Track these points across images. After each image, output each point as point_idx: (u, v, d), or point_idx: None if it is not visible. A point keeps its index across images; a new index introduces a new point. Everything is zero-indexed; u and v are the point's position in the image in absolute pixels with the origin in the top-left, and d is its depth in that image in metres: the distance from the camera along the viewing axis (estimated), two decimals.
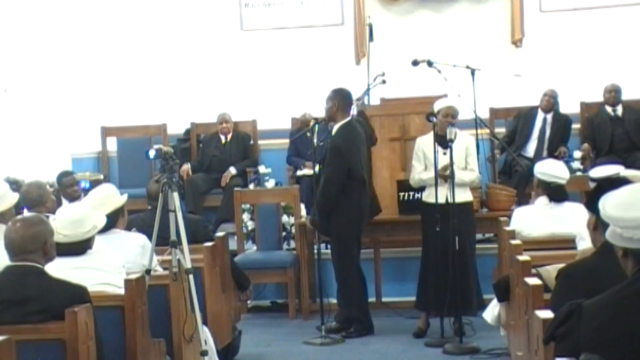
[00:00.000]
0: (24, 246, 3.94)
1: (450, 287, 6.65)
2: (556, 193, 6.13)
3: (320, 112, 7.44)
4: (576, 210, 6.04)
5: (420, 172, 6.98)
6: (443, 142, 6.77)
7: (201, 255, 5.83)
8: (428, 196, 6.96)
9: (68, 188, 7.27)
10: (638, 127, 9.21)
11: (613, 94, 9.23)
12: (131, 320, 4.39)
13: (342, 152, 6.98)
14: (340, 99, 7.07)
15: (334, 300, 7.56)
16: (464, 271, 6.77)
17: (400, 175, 7.71)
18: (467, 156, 6.93)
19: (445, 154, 6.76)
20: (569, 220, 5.94)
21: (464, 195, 6.81)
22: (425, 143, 6.98)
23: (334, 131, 7.07)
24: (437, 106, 6.92)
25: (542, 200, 6.15)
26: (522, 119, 9.33)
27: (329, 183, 6.97)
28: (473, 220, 7.05)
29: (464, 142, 6.87)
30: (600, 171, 6.15)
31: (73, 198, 7.31)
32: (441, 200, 6.76)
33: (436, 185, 6.73)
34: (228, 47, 10.72)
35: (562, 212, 6.08)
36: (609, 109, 9.27)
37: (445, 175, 6.72)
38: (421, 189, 7.09)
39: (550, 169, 6.24)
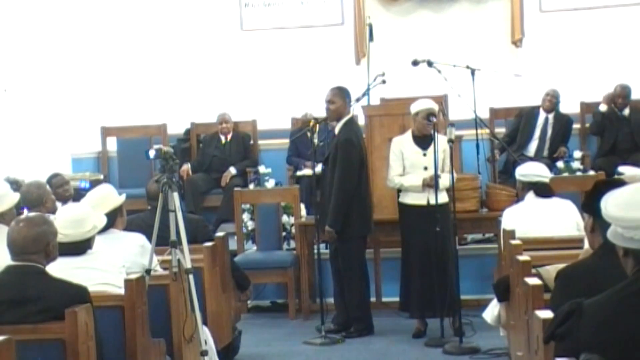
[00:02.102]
0: (26, 247, 3.94)
1: (437, 288, 6.70)
2: (542, 189, 6.20)
3: (320, 112, 7.43)
4: (564, 204, 6.12)
5: (399, 175, 6.98)
6: (422, 143, 6.80)
7: (201, 255, 5.84)
8: (408, 197, 6.99)
9: (59, 188, 7.25)
10: None
11: (620, 100, 9.21)
12: (131, 320, 4.39)
13: (354, 145, 7.03)
14: (346, 96, 7.16)
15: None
16: (446, 272, 6.78)
17: None
18: (444, 158, 6.92)
19: (425, 155, 6.78)
20: (557, 212, 6.03)
21: (441, 196, 6.81)
22: (402, 144, 7.01)
23: (338, 128, 7.09)
24: (416, 107, 6.93)
25: (530, 195, 6.24)
26: (523, 119, 9.34)
27: (346, 177, 6.98)
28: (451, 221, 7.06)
29: (442, 145, 6.81)
30: (627, 169, 6.14)
31: (64, 198, 7.29)
32: (421, 201, 6.82)
33: (436, 187, 6.74)
34: (228, 47, 10.72)
35: (550, 205, 6.16)
36: (616, 109, 9.26)
37: (430, 185, 6.76)
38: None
39: (531, 170, 6.36)
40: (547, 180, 6.29)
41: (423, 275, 6.89)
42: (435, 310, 6.81)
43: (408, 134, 7.03)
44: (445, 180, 6.81)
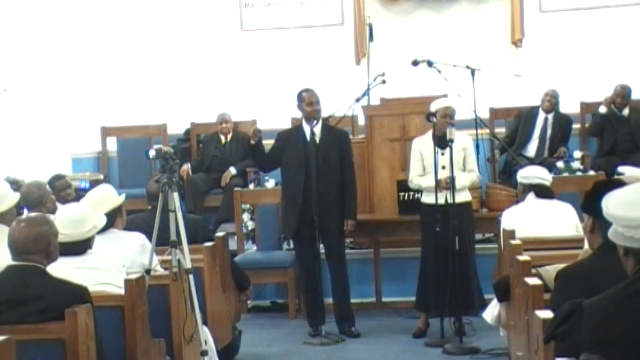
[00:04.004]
0: (27, 247, 3.94)
1: (451, 287, 6.66)
2: (542, 191, 6.22)
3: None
4: (564, 206, 6.14)
5: (419, 175, 6.97)
6: (441, 142, 6.78)
7: (201, 255, 5.84)
8: (427, 197, 6.96)
9: (61, 191, 7.24)
10: None
11: (619, 100, 9.21)
12: (131, 320, 4.39)
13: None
14: None
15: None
16: (465, 271, 6.78)
17: (400, 175, 7.72)
18: (465, 157, 6.92)
19: (443, 154, 6.76)
20: (556, 214, 6.04)
21: (462, 195, 6.82)
22: (422, 144, 6.99)
23: (320, 127, 7.09)
24: (435, 107, 6.91)
25: (530, 196, 6.26)
26: (523, 119, 9.34)
27: (354, 171, 7.25)
28: (472, 220, 7.05)
29: (462, 143, 6.84)
30: (627, 169, 6.15)
31: (66, 201, 7.30)
32: (440, 200, 6.76)
33: (436, 187, 6.73)
34: (228, 47, 10.72)
35: (550, 206, 6.17)
36: (615, 109, 9.26)
37: (447, 188, 6.73)
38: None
39: (533, 172, 6.40)
40: (548, 183, 6.30)
41: (439, 275, 6.85)
42: (453, 308, 6.76)
43: (428, 134, 7.00)
44: (462, 180, 6.79)
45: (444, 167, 6.77)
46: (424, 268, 7.03)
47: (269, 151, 7.27)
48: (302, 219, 7.06)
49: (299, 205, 7.05)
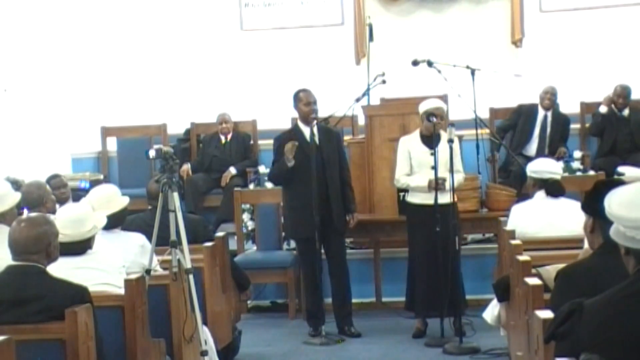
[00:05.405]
0: (27, 247, 3.94)
1: (442, 288, 6.67)
2: (553, 188, 6.16)
3: (320, 112, 7.44)
4: (573, 205, 6.08)
5: (406, 174, 6.97)
6: (430, 142, 6.79)
7: (201, 255, 5.84)
8: (414, 197, 6.98)
9: (56, 190, 7.25)
10: None
11: (621, 101, 9.21)
12: (131, 320, 4.39)
13: None
14: None
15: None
16: (452, 272, 6.77)
17: None
18: (453, 157, 6.90)
19: (432, 154, 6.76)
20: (566, 214, 5.98)
21: (448, 196, 6.80)
22: (410, 143, 7.00)
23: (314, 129, 7.08)
24: (424, 107, 6.92)
25: (540, 194, 6.19)
26: (523, 117, 9.32)
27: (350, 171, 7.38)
28: (458, 221, 7.03)
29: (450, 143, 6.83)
30: (627, 169, 6.12)
31: (61, 200, 7.31)
32: (428, 201, 6.79)
33: (436, 187, 6.73)
34: (228, 47, 10.72)
35: (559, 206, 6.12)
36: (616, 109, 9.26)
37: (438, 188, 6.73)
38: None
39: (543, 166, 6.30)
40: (558, 177, 6.25)
41: (429, 275, 6.86)
42: (440, 309, 6.77)
43: (416, 133, 7.02)
44: (449, 180, 6.79)
45: (433, 167, 6.77)
46: (412, 269, 7.05)
47: (281, 160, 7.13)
48: (313, 221, 6.95)
49: (311, 206, 6.92)
